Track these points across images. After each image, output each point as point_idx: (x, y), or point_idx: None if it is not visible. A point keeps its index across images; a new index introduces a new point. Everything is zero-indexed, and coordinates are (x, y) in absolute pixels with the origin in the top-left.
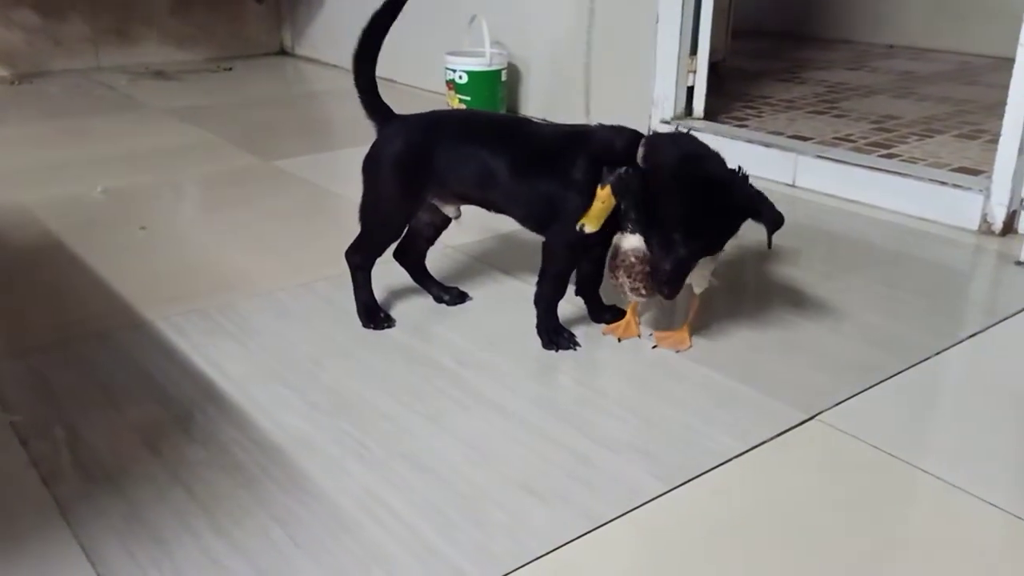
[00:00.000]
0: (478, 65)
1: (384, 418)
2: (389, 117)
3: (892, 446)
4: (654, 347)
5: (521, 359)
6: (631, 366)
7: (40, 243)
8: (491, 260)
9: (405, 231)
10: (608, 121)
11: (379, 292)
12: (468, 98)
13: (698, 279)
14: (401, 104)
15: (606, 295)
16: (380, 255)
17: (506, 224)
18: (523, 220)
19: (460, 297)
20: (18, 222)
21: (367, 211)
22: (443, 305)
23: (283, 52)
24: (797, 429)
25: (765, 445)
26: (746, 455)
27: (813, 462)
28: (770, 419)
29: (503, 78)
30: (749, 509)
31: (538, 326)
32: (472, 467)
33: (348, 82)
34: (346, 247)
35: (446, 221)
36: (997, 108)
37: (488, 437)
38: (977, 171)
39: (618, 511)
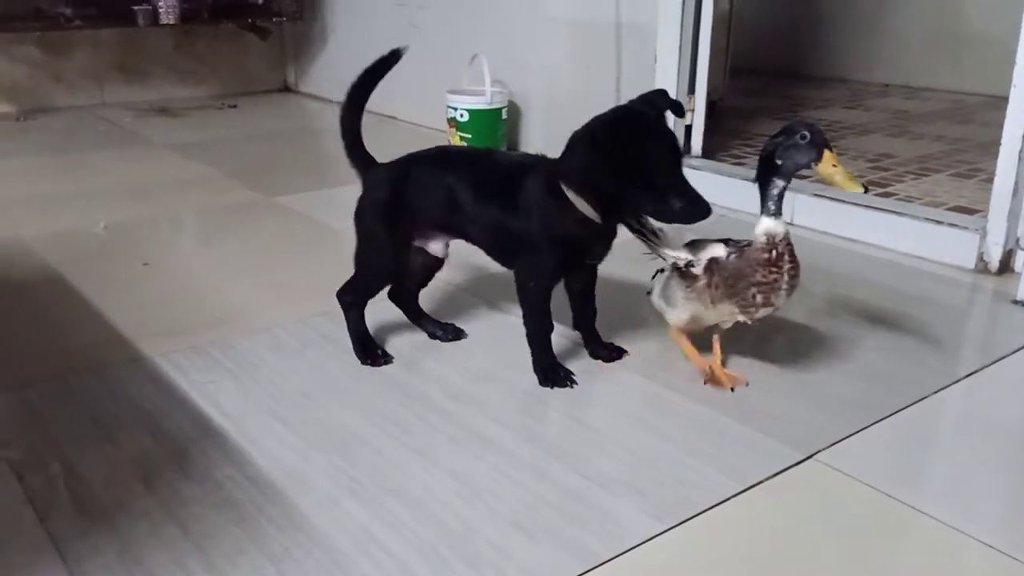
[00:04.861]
0: (479, 103)
1: (377, 453)
2: (370, 166)
3: (889, 486)
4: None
5: (514, 394)
6: (625, 402)
7: (40, 277)
8: (485, 295)
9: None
10: None
11: (373, 327)
12: (469, 136)
13: (728, 315)
14: (403, 141)
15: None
16: (372, 297)
17: None
18: (489, 251)
19: (455, 333)
20: (19, 256)
21: (360, 259)
22: (436, 341)
23: (287, 89)
24: (793, 469)
25: (761, 485)
26: (742, 495)
27: (809, 502)
28: (766, 458)
29: (504, 116)
30: (745, 550)
31: (534, 364)
32: (464, 503)
33: None
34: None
35: (438, 262)
36: (991, 147)
37: (480, 473)
38: (973, 210)
39: (611, 551)
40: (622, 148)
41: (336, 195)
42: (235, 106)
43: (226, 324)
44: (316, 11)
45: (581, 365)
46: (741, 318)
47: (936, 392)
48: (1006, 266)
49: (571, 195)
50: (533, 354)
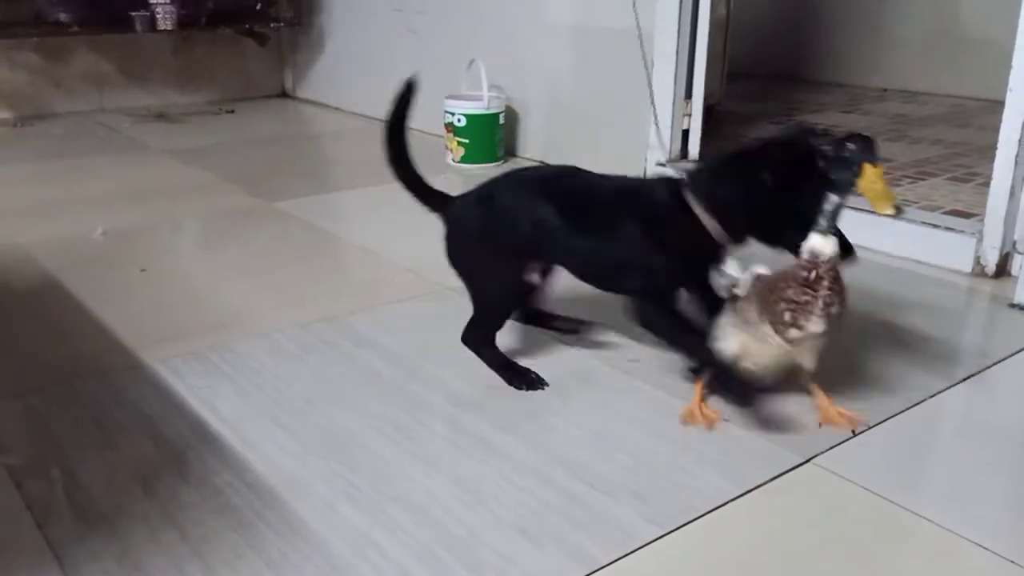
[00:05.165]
0: (476, 108)
1: (377, 458)
2: (447, 202)
3: (887, 490)
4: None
5: (516, 399)
6: (627, 406)
7: (39, 283)
8: None
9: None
10: (604, 161)
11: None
12: (467, 141)
13: (811, 353)
14: None
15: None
16: (500, 328)
17: None
18: (588, 278)
19: (578, 327)
20: (17, 262)
21: (481, 294)
22: (438, 346)
23: (284, 94)
24: (792, 472)
25: (760, 488)
26: (741, 499)
27: (808, 506)
28: (765, 462)
29: (501, 121)
30: (744, 554)
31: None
32: (465, 508)
33: (348, 124)
34: (345, 287)
35: (532, 288)
36: (989, 151)
37: (481, 478)
38: (970, 214)
39: (612, 555)
40: (790, 187)
41: (335, 200)
42: (233, 111)
43: (225, 329)
44: (314, 17)
45: (583, 372)
46: (776, 340)
47: (934, 396)
48: (1003, 270)
49: (702, 215)
50: (681, 355)
